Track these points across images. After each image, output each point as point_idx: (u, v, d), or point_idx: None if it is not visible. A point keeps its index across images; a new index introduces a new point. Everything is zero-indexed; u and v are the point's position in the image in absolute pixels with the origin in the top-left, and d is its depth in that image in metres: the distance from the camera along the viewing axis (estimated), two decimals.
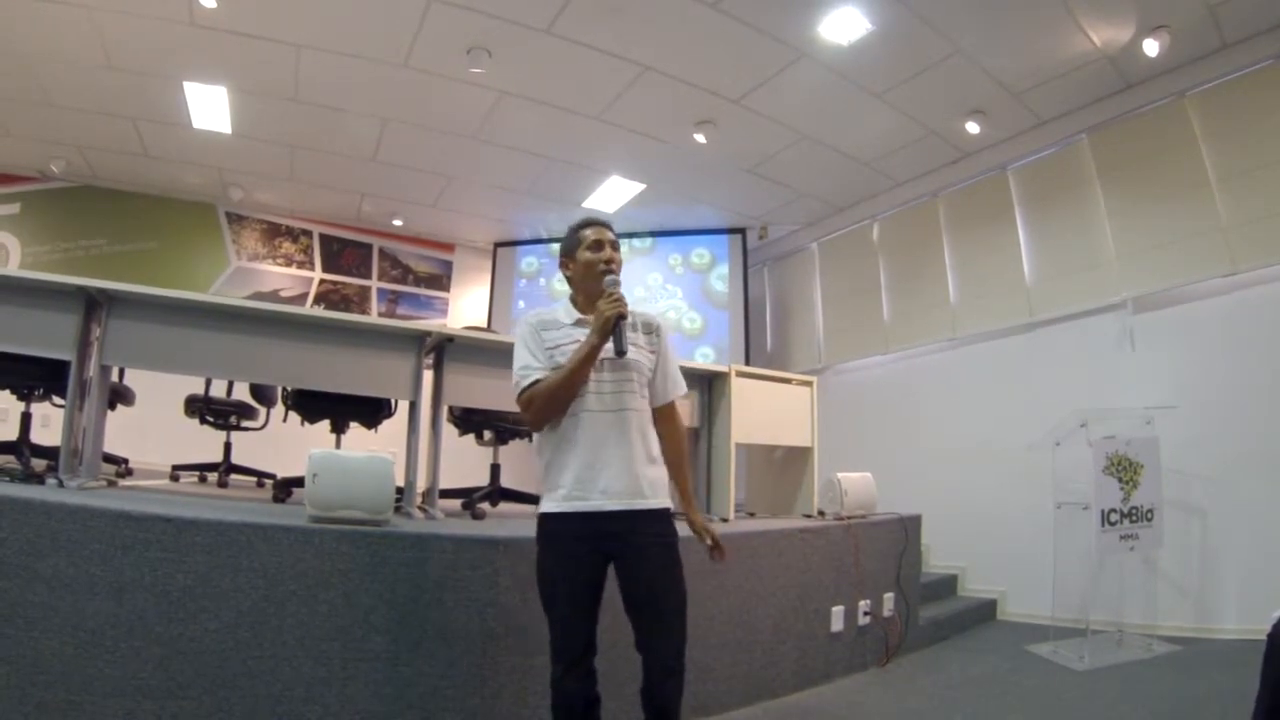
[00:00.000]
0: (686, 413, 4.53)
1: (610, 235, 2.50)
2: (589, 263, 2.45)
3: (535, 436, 2.45)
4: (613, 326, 2.30)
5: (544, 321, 2.45)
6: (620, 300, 2.33)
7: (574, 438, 2.33)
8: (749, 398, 4.58)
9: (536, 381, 2.33)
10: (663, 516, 2.38)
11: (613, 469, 2.30)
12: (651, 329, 2.54)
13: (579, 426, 2.33)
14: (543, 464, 2.41)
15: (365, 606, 2.71)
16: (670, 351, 2.57)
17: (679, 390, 2.58)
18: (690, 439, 4.74)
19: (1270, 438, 4.58)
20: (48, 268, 7.12)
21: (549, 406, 2.33)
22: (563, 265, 2.56)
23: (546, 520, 2.35)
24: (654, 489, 2.37)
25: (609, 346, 2.31)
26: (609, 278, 2.40)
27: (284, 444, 4.80)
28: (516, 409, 4.14)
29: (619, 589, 2.35)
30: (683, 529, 2.47)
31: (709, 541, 2.49)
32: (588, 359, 2.30)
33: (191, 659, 2.48)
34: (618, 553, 2.31)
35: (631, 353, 2.38)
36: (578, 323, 2.43)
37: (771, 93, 5.60)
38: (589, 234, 2.49)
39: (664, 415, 2.54)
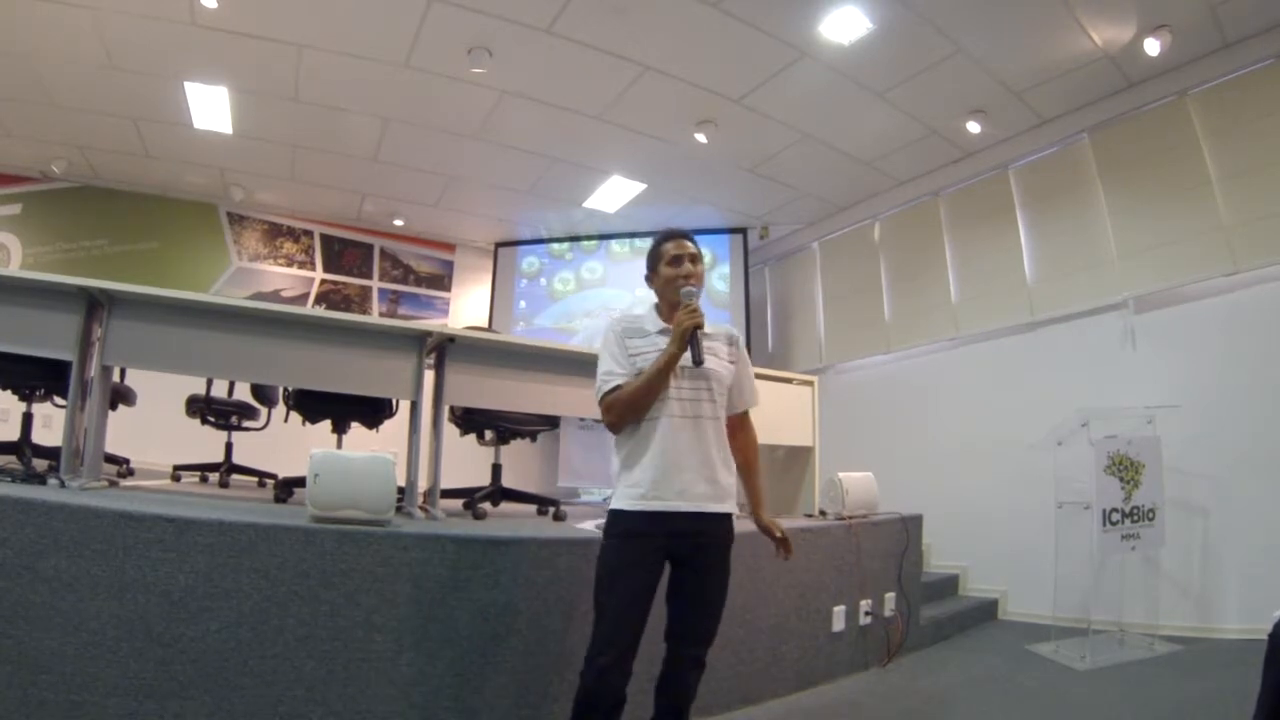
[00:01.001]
0: None
1: (690, 248, 2.60)
2: (668, 277, 2.57)
3: (615, 435, 2.54)
4: (690, 337, 2.40)
5: (630, 329, 2.57)
6: (697, 311, 2.43)
7: (654, 441, 2.42)
8: None
9: (618, 387, 2.44)
10: (728, 521, 2.51)
11: (689, 473, 2.40)
12: (732, 341, 2.67)
13: (658, 431, 2.42)
14: (619, 462, 2.51)
15: (367, 607, 2.71)
16: (747, 363, 2.71)
17: (752, 401, 2.73)
18: None
19: (1272, 437, 4.57)
20: (49, 268, 7.12)
21: (628, 412, 2.44)
22: (647, 279, 2.69)
23: (620, 516, 2.43)
24: (724, 494, 2.48)
25: (687, 356, 2.41)
26: (686, 289, 2.51)
27: (285, 444, 4.80)
28: (516, 409, 4.19)
29: (670, 583, 2.46)
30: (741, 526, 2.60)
31: (779, 535, 2.66)
32: (666, 368, 2.41)
33: (193, 659, 2.48)
34: (682, 552, 2.42)
35: (710, 363, 2.48)
36: (661, 331, 2.53)
37: (772, 92, 5.60)
38: (669, 248, 2.60)
39: (739, 424, 2.71)
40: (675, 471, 2.39)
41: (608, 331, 2.59)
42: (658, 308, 2.64)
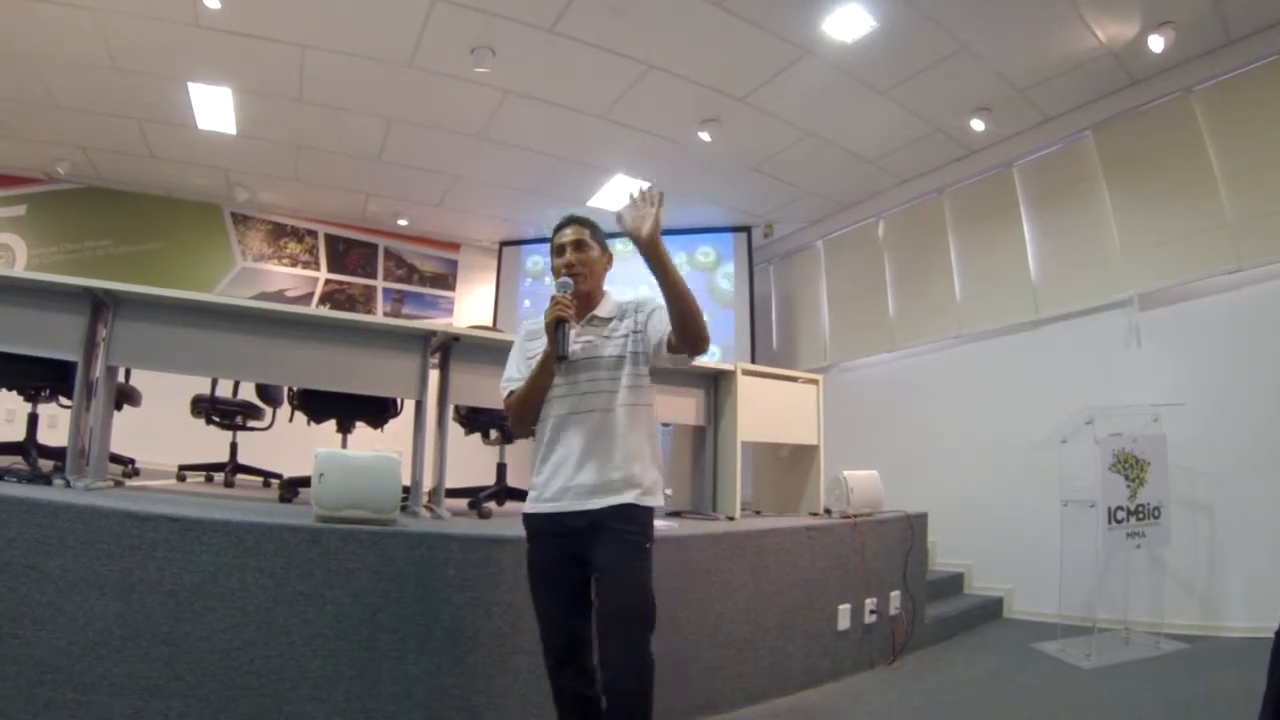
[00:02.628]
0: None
1: (572, 235, 2.49)
2: (555, 269, 2.50)
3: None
4: (554, 331, 2.28)
5: (532, 331, 2.53)
6: (560, 304, 2.30)
7: (544, 441, 2.38)
8: (755, 396, 4.58)
9: (513, 393, 2.45)
10: (630, 514, 2.25)
11: (574, 470, 2.29)
12: (633, 311, 2.45)
13: (548, 429, 2.37)
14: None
15: (372, 606, 2.71)
16: (657, 316, 2.36)
17: (665, 327, 2.29)
18: (696, 437, 4.76)
19: (1277, 434, 4.56)
20: (54, 269, 7.13)
21: (518, 416, 2.45)
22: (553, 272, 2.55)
23: (524, 519, 2.41)
24: (624, 486, 2.27)
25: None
26: (560, 281, 2.41)
27: (290, 444, 4.81)
28: None
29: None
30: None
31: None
32: (542, 367, 2.36)
33: (198, 658, 2.49)
34: (587, 554, 2.24)
35: (587, 351, 2.36)
36: None
37: (776, 90, 5.59)
38: (556, 238, 2.53)
39: (676, 345, 2.27)
40: (560, 469, 2.31)
41: (517, 335, 2.58)
42: None
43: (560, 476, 2.30)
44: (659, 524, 3.65)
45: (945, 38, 4.92)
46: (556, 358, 2.28)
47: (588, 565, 2.26)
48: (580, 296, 2.41)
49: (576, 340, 2.35)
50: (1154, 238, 5.28)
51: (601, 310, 2.46)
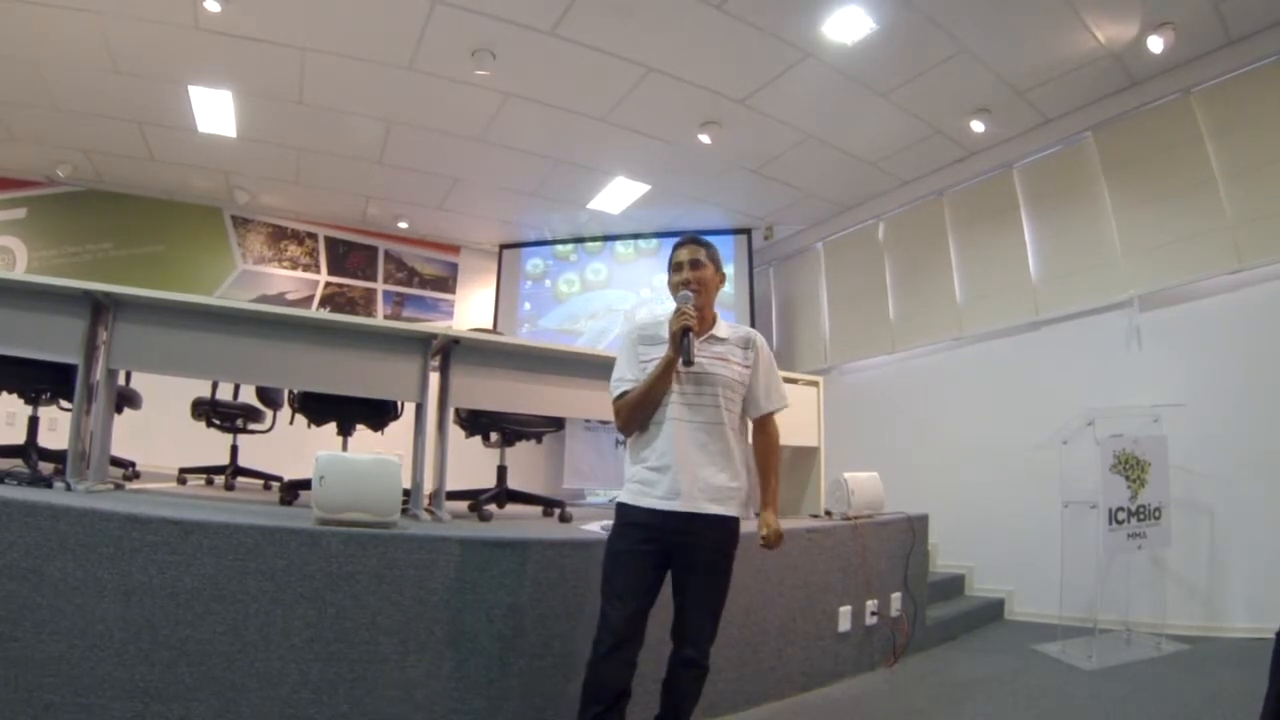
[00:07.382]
0: None
1: (691, 255, 2.69)
2: (671, 284, 2.71)
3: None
4: (680, 339, 2.48)
5: (645, 336, 2.68)
6: (686, 315, 2.52)
7: (653, 441, 2.55)
8: None
9: (625, 393, 2.59)
10: (724, 524, 2.55)
11: (680, 474, 2.48)
12: (748, 344, 2.71)
13: (659, 432, 2.54)
14: (628, 457, 2.64)
15: (373, 609, 2.71)
16: (768, 367, 2.75)
17: (775, 404, 2.76)
18: None
19: (1278, 435, 4.56)
20: (54, 272, 7.14)
21: (632, 416, 2.58)
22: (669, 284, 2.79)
23: (621, 508, 2.57)
24: (721, 497, 2.53)
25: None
26: (681, 294, 2.61)
27: (290, 446, 4.82)
28: (521, 411, 4.21)
29: (672, 582, 2.57)
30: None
31: (763, 533, 2.65)
32: (663, 372, 2.52)
33: (199, 661, 2.48)
34: (677, 551, 2.50)
35: (714, 366, 2.57)
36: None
37: (776, 93, 5.60)
38: (672, 255, 2.72)
39: (759, 426, 2.78)
40: (670, 472, 2.48)
41: (624, 336, 2.73)
42: None
43: (666, 478, 2.48)
44: None
45: (945, 39, 4.92)
46: (684, 362, 2.49)
47: (672, 562, 2.53)
48: (697, 309, 2.60)
49: (701, 353, 2.56)
50: (1154, 238, 5.28)
51: (719, 330, 2.68)
